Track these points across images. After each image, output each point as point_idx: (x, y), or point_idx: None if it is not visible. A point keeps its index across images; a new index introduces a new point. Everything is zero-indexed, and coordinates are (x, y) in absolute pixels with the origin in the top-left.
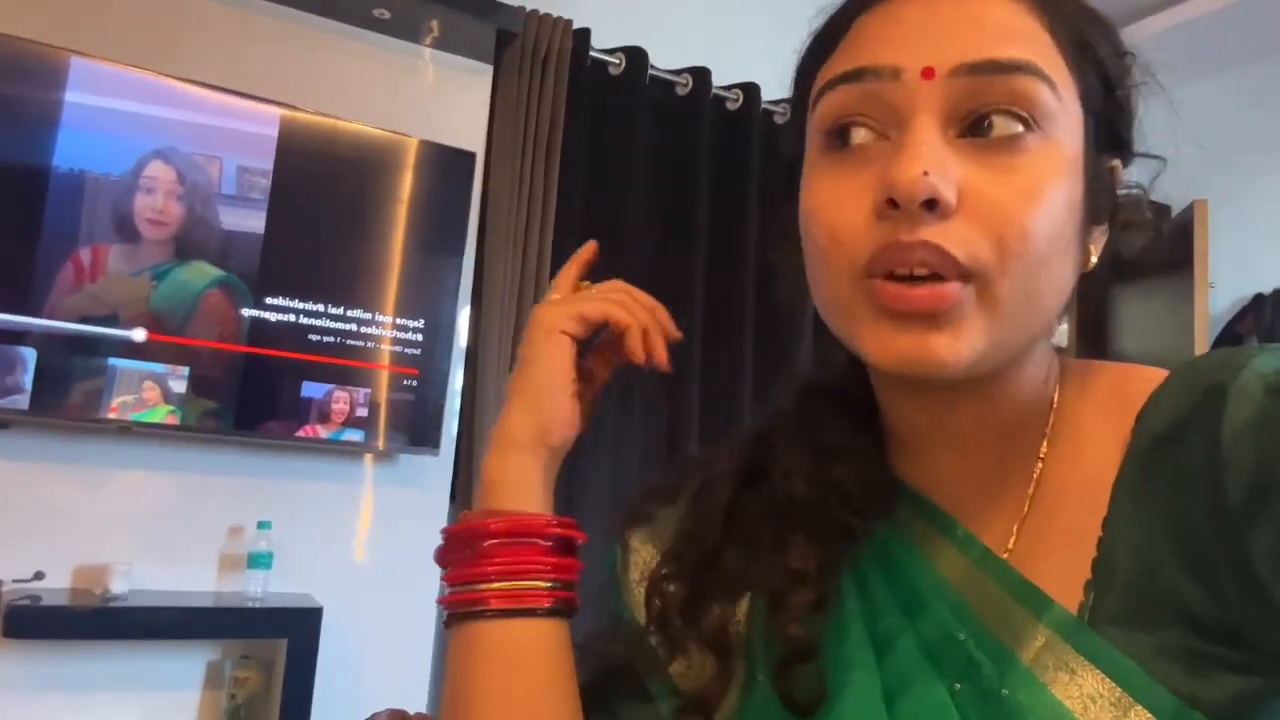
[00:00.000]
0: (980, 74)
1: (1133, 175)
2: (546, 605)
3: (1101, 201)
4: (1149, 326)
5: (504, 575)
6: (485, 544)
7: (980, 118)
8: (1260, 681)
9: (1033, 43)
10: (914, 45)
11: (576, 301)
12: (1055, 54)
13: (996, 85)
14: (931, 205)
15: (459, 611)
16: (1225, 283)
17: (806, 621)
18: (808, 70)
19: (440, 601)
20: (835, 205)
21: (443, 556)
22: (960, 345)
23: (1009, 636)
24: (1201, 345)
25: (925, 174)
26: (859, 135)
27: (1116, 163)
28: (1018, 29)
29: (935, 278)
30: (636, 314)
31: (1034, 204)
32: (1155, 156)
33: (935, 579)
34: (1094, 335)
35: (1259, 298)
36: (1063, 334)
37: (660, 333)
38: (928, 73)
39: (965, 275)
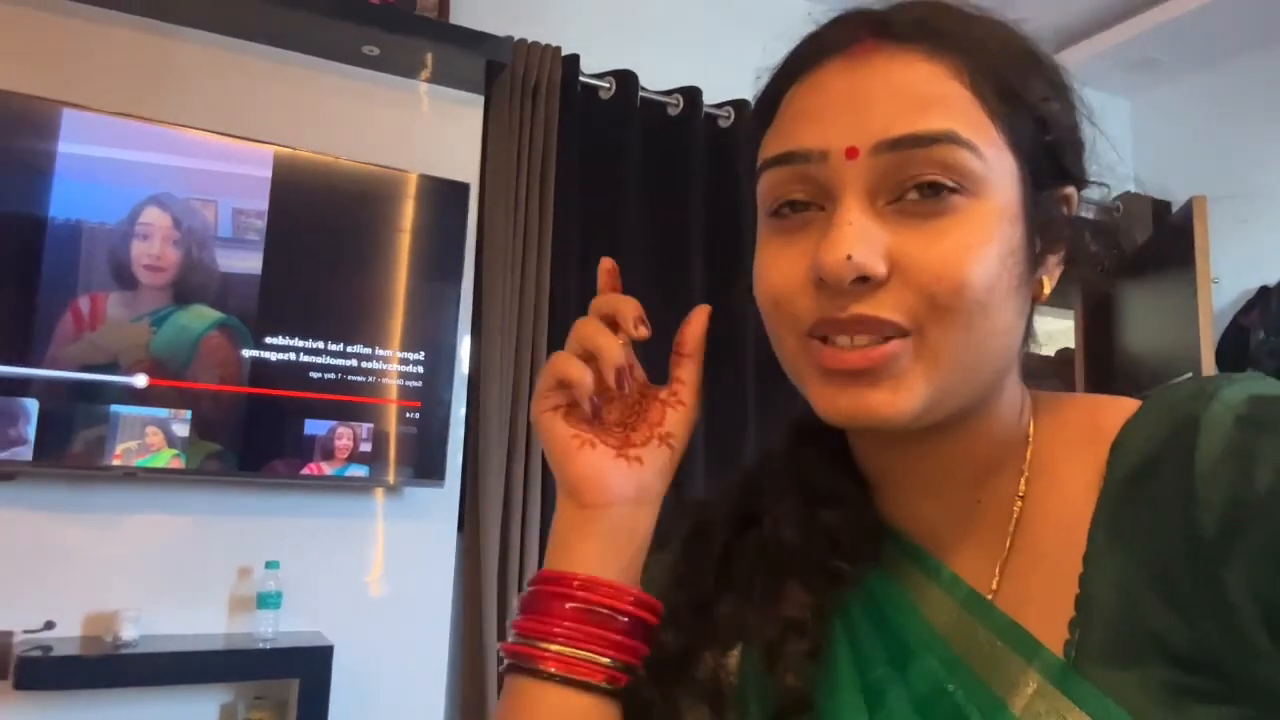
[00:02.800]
0: (902, 149)
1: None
2: (599, 681)
3: (1052, 233)
4: (1155, 323)
5: (568, 640)
6: (564, 604)
7: (905, 188)
8: (1243, 711)
9: (952, 107)
10: (838, 124)
11: (542, 379)
12: (978, 111)
13: (918, 157)
14: (863, 279)
15: (515, 663)
16: (1231, 276)
17: (802, 672)
18: (753, 137)
19: (501, 647)
20: (778, 270)
21: (523, 602)
22: (900, 398)
23: (1000, 685)
24: (1207, 340)
25: (849, 257)
26: (797, 209)
27: (1070, 191)
28: (937, 95)
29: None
30: (589, 342)
31: (965, 261)
32: (1102, 184)
33: (922, 626)
34: (1100, 333)
35: (1264, 290)
36: (1069, 332)
37: (614, 351)
38: (851, 153)
39: (902, 333)
